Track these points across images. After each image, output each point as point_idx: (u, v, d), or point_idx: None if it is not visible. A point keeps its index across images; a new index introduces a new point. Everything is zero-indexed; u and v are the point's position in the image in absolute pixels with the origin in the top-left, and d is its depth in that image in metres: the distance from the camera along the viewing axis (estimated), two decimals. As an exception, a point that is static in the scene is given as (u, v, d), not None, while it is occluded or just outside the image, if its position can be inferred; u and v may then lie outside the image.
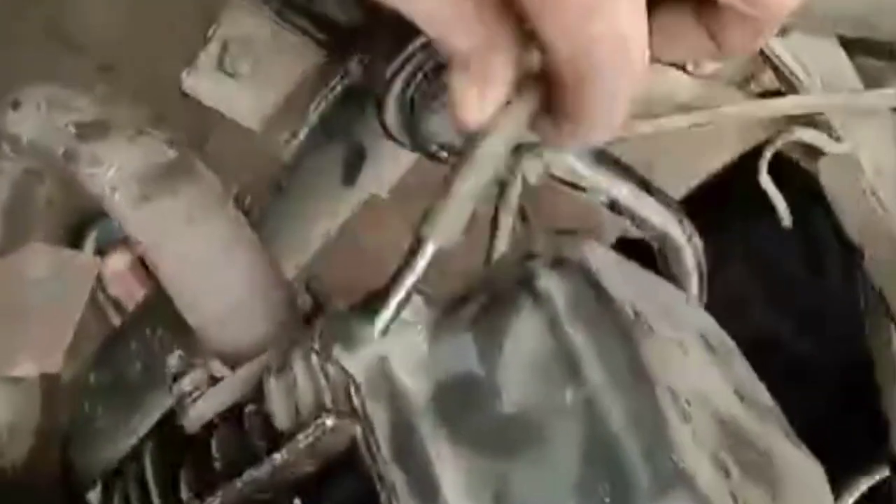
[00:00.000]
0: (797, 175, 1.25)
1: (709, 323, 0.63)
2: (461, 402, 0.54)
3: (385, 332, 0.53)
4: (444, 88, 0.52)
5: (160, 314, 0.78)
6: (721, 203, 1.25)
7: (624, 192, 0.88)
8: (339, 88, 0.73)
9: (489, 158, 0.49)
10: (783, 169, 1.31)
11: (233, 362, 0.62)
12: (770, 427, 0.60)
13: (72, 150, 0.64)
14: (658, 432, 0.51)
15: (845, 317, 1.23)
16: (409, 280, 0.51)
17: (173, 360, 0.62)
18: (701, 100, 0.59)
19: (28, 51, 1.78)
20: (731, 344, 0.64)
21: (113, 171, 0.64)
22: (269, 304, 0.64)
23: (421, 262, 0.51)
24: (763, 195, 1.30)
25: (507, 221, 0.89)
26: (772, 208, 1.30)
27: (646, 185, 0.90)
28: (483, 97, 0.50)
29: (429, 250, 0.50)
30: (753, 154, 1.39)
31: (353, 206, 0.77)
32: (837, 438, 0.62)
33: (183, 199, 0.64)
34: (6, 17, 1.82)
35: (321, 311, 0.67)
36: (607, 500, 0.50)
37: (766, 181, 0.66)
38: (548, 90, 0.49)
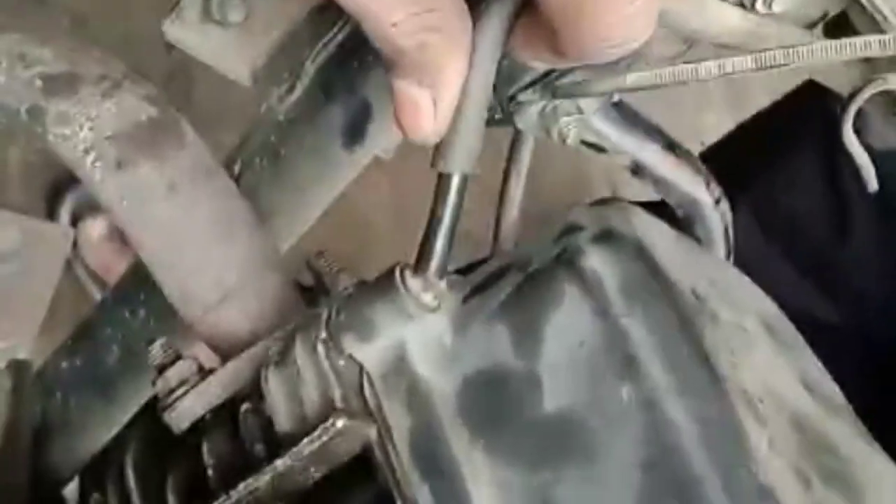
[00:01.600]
0: (821, 123, 1.18)
1: (769, 306, 0.55)
2: (494, 401, 0.47)
3: (441, 274, 0.48)
4: None
5: (141, 294, 0.70)
6: (733, 160, 1.18)
7: (649, 153, 0.80)
8: (339, 37, 0.64)
9: (481, 80, 0.46)
10: (806, 116, 1.24)
11: (225, 352, 0.54)
12: (843, 425, 0.52)
13: (37, 107, 0.56)
14: (732, 440, 0.43)
15: (875, 282, 1.16)
16: (448, 216, 0.47)
17: (156, 349, 0.54)
18: (753, 40, 0.51)
19: (3, 6, 1.69)
20: (794, 330, 0.56)
21: (85, 131, 0.56)
22: (266, 285, 0.56)
23: (452, 196, 0.47)
24: (784, 148, 1.24)
25: (517, 186, 0.82)
26: (792, 164, 1.23)
27: (671, 146, 0.83)
28: (440, 106, 0.45)
29: (455, 182, 0.47)
30: (772, 108, 1.33)
31: (356, 171, 0.69)
32: (869, 422, 0.54)
33: (165, 165, 0.55)
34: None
35: (327, 292, 0.59)
36: (674, 520, 0.42)
37: (849, 137, 0.58)
38: None
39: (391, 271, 0.49)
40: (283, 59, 0.66)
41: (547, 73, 0.53)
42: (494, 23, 0.45)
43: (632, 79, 0.47)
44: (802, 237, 1.24)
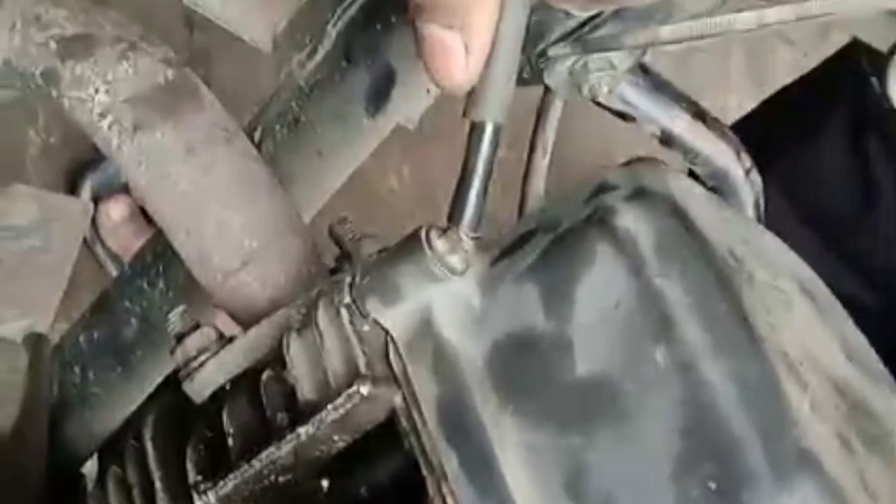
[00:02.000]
0: (850, 94, 1.16)
1: (806, 271, 0.53)
2: (523, 365, 0.45)
3: (474, 227, 0.47)
4: None
5: (160, 265, 0.69)
6: (761, 131, 1.16)
7: (678, 122, 0.78)
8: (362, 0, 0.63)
9: (514, 21, 0.44)
10: (834, 89, 1.22)
11: (246, 320, 0.53)
12: (883, 392, 0.51)
13: (52, 70, 0.55)
14: (772, 402, 0.41)
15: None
16: (481, 167, 0.46)
17: (175, 318, 0.52)
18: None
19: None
20: (830, 294, 0.54)
21: (101, 93, 0.54)
22: (288, 251, 0.54)
23: (486, 146, 0.46)
24: (812, 119, 1.21)
25: (543, 157, 0.80)
26: (819, 136, 1.21)
27: (701, 115, 0.81)
28: (472, 50, 0.43)
29: (488, 131, 0.46)
30: (800, 80, 1.31)
31: (378, 139, 0.67)
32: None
33: (183, 127, 0.54)
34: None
35: (349, 258, 0.57)
36: (712, 485, 0.40)
37: (893, 90, 0.56)
38: None
39: (416, 233, 0.47)
40: (303, 23, 0.65)
41: (579, 27, 0.51)
42: None
43: (667, 31, 0.45)
44: (828, 209, 1.22)
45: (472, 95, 0.46)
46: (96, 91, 0.54)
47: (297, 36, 0.65)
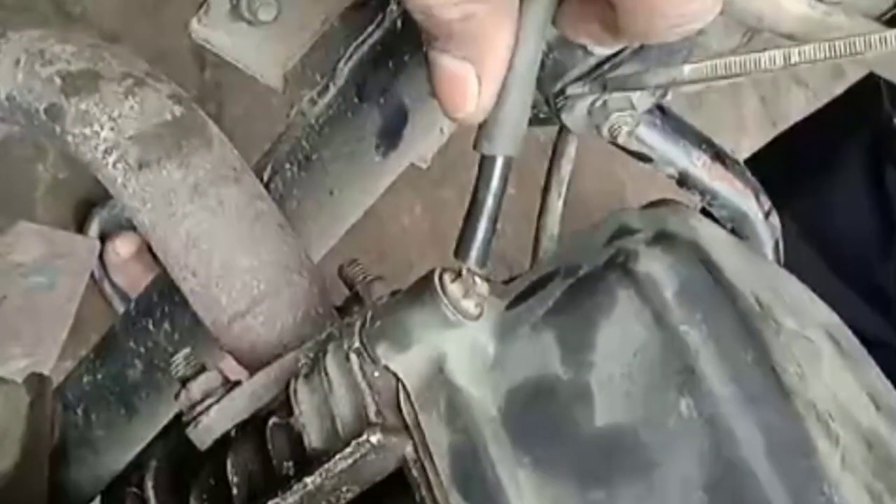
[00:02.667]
0: (869, 130, 1.15)
1: (832, 317, 0.51)
2: (540, 415, 0.43)
3: (482, 263, 0.46)
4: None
5: (165, 305, 0.67)
6: (777, 168, 1.14)
7: (697, 164, 0.77)
8: (374, 36, 0.61)
9: (528, 54, 0.43)
10: (849, 126, 1.21)
11: (252, 364, 0.51)
12: (914, 443, 0.48)
13: (56, 106, 0.53)
14: (803, 458, 0.39)
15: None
16: (491, 201, 0.45)
17: (179, 361, 0.51)
18: (819, 30, 0.47)
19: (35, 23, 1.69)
20: (857, 342, 0.52)
21: (105, 130, 0.53)
22: (296, 293, 0.52)
23: (496, 180, 0.45)
24: (829, 156, 1.20)
25: (558, 197, 0.78)
26: (837, 174, 1.19)
27: (720, 156, 0.79)
28: (485, 82, 0.42)
29: (499, 165, 0.45)
30: (816, 115, 1.29)
31: (390, 178, 0.65)
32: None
33: (190, 165, 0.53)
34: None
35: (359, 301, 0.56)
36: (740, 544, 0.38)
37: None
38: None
39: (429, 276, 0.46)
40: (314, 61, 0.63)
41: (598, 65, 0.50)
42: None
43: (690, 70, 0.44)
44: (848, 248, 1.20)
45: (483, 127, 0.44)
46: (101, 128, 0.53)
47: (308, 73, 0.63)
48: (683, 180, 0.78)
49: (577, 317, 0.44)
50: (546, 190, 0.79)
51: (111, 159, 0.53)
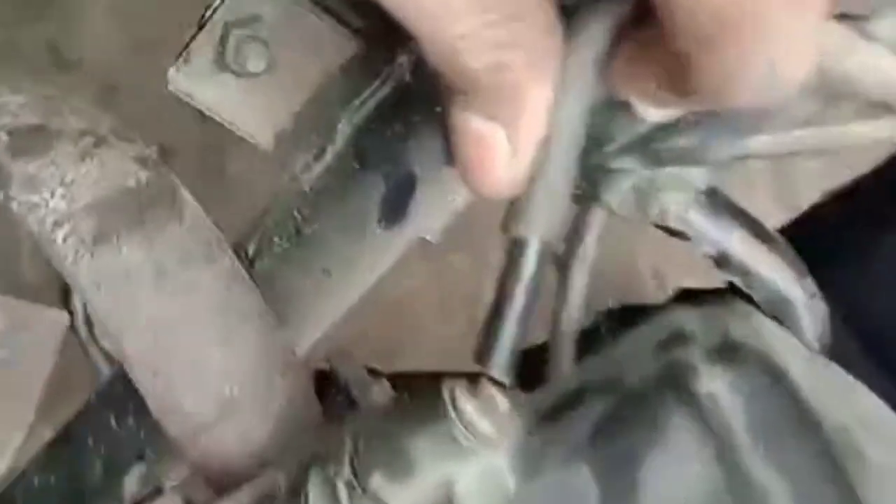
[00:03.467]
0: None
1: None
2: (572, 572, 0.34)
3: (507, 368, 0.37)
4: None
5: (132, 399, 0.58)
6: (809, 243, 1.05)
7: (737, 242, 0.68)
8: (381, 92, 0.53)
9: (573, 114, 0.35)
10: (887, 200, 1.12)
11: (220, 483, 0.42)
12: None
13: (1, 167, 0.45)
14: None
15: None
16: (522, 296, 0.36)
17: (132, 479, 0.42)
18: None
19: (26, 72, 1.62)
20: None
21: (57, 198, 0.44)
22: (276, 398, 0.44)
23: (528, 270, 0.36)
24: (867, 231, 1.11)
25: (581, 272, 0.70)
26: (877, 251, 1.10)
27: (762, 234, 0.70)
28: (520, 147, 0.34)
29: (532, 250, 0.36)
30: (853, 186, 1.20)
31: (396, 255, 0.57)
32: None
33: (155, 242, 0.44)
34: (3, 37, 1.66)
35: (352, 404, 0.47)
36: None
37: None
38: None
39: (439, 390, 0.37)
40: (311, 119, 0.55)
41: (650, 134, 0.41)
42: (594, 39, 0.33)
43: (761, 143, 0.35)
44: (887, 336, 1.11)
45: (515, 205, 0.36)
46: (51, 195, 0.45)
47: (304, 133, 0.55)
48: (721, 261, 0.69)
49: (620, 449, 0.35)
50: (568, 266, 0.70)
51: (61, 233, 0.44)
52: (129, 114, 1.70)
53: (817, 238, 1.17)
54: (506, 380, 0.37)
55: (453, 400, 0.36)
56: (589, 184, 0.43)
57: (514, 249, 0.36)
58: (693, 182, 0.43)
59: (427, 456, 0.36)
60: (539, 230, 0.36)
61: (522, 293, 0.36)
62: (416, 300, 1.90)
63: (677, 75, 0.31)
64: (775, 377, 0.35)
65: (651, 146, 0.41)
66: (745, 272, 0.69)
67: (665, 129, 0.40)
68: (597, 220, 0.67)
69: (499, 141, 0.34)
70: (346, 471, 0.37)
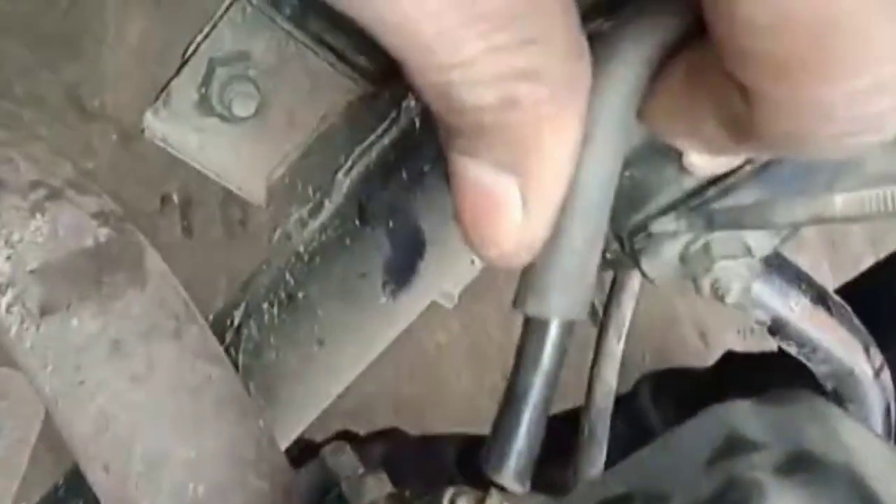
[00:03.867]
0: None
1: None
2: None
3: (522, 475, 0.30)
4: None
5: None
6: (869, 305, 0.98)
7: (794, 307, 0.61)
8: (385, 140, 0.46)
9: (602, 165, 0.28)
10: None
11: None
12: None
13: (-64, 225, 0.39)
14: None
15: None
16: (538, 386, 0.30)
17: None
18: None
19: (47, 120, 1.58)
20: None
21: (1, 260, 0.38)
22: (255, 501, 0.37)
23: (547, 354, 0.30)
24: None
25: (617, 339, 0.63)
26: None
27: (823, 299, 0.63)
28: (534, 204, 0.27)
29: (552, 333, 0.30)
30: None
31: (401, 324, 0.50)
32: None
33: (112, 313, 0.37)
34: (24, 85, 1.62)
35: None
36: None
37: None
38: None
39: (437, 499, 0.30)
40: (307, 169, 0.48)
41: (699, 190, 0.34)
42: (631, 66, 0.26)
43: (844, 202, 0.28)
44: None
45: (530, 276, 0.29)
46: (-7, 256, 0.38)
47: (299, 186, 0.48)
48: (776, 328, 0.62)
49: (664, 586, 0.27)
50: (602, 332, 0.64)
51: (4, 301, 0.38)
52: (151, 162, 1.66)
53: (872, 301, 1.09)
54: (521, 490, 0.30)
55: (455, 514, 0.29)
56: (624, 251, 0.36)
57: (531, 331, 0.29)
58: (755, 249, 0.36)
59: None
60: (559, 310, 0.29)
61: (540, 384, 0.29)
62: (444, 354, 1.84)
63: (738, 112, 0.24)
64: (862, 495, 0.27)
65: (702, 206, 0.34)
66: (803, 342, 0.62)
67: (719, 183, 0.33)
68: (633, 283, 0.61)
69: (509, 195, 0.27)
70: None
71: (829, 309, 0.63)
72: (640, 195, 0.34)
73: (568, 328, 0.29)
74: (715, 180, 0.33)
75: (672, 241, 0.35)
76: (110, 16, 1.73)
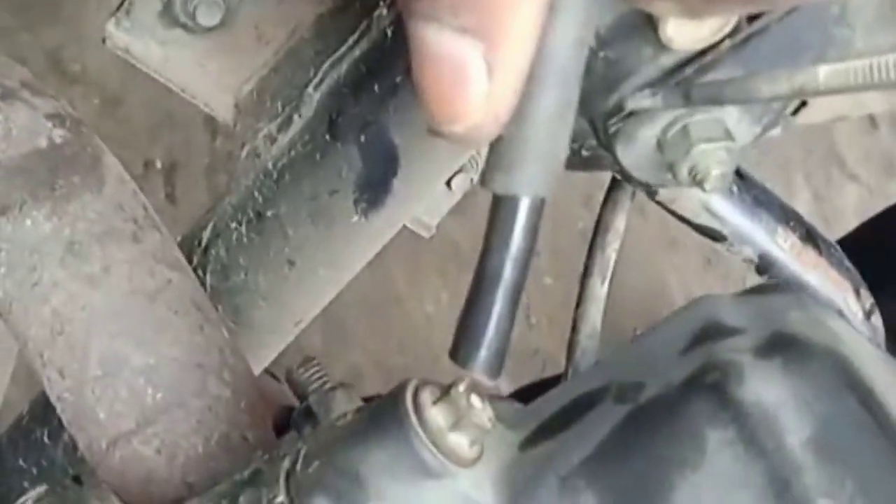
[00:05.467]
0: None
1: None
2: None
3: (494, 370, 0.28)
4: None
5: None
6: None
7: (782, 244, 0.60)
8: (356, 51, 0.44)
9: (571, 29, 0.26)
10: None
11: (138, 509, 0.34)
12: None
13: None
14: None
15: None
16: (510, 268, 0.28)
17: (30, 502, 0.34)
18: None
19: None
20: None
21: (-48, 161, 0.36)
22: (211, 407, 0.35)
23: (517, 237, 0.28)
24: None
25: (601, 282, 0.63)
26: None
27: (811, 236, 0.63)
28: (500, 71, 0.26)
29: (522, 210, 0.28)
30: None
31: (374, 246, 0.48)
32: None
33: (67, 215, 0.36)
34: (4, 48, 1.60)
35: (312, 418, 0.39)
36: None
37: None
38: None
39: (399, 392, 0.29)
40: (276, 84, 0.47)
41: (677, 67, 0.32)
42: None
43: (827, 73, 0.27)
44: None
45: (495, 152, 0.28)
46: (-56, 155, 0.36)
47: (267, 101, 0.46)
48: (765, 266, 0.61)
49: (635, 471, 0.26)
50: (586, 273, 0.62)
51: (-46, 201, 0.36)
52: (135, 127, 1.64)
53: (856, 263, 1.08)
54: (491, 380, 0.29)
55: (416, 405, 0.28)
56: (598, 137, 0.35)
57: (500, 210, 0.28)
58: (736, 133, 0.34)
59: (382, 477, 0.28)
60: (529, 187, 0.27)
61: (511, 266, 0.28)
62: (434, 324, 1.82)
63: None
64: (848, 379, 0.26)
65: (682, 79, 0.32)
66: (791, 281, 0.61)
67: (698, 60, 0.31)
68: (618, 221, 0.59)
69: (473, 62, 0.25)
70: (282, 496, 0.29)
71: (818, 248, 0.62)
72: (616, 75, 0.32)
73: (538, 207, 0.28)
74: (693, 57, 0.32)
75: (649, 124, 0.33)
76: (92, -21, 1.71)
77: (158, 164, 1.68)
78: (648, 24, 0.29)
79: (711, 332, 0.28)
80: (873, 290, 1.01)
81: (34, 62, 1.61)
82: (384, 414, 0.28)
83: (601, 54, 0.29)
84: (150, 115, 1.66)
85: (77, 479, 0.40)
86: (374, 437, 0.28)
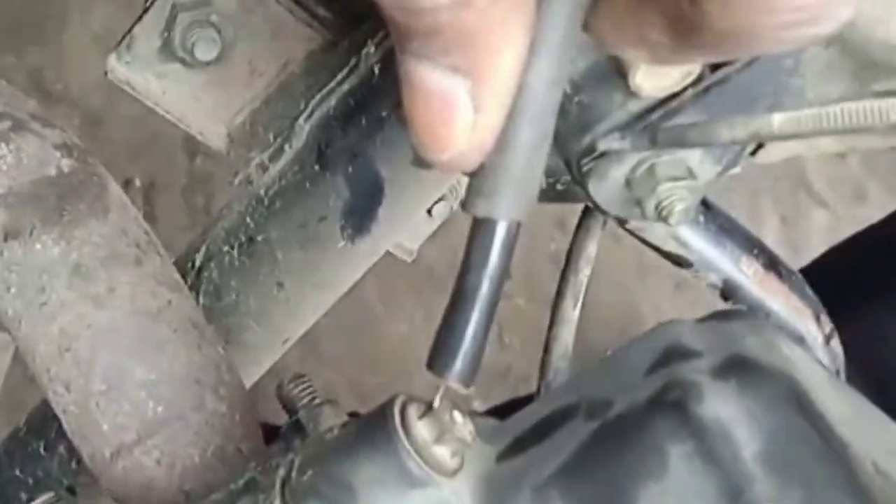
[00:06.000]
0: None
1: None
2: None
3: (467, 380, 0.31)
4: None
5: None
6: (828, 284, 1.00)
7: (746, 271, 0.63)
8: (345, 87, 0.47)
9: (549, 67, 0.29)
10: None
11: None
12: None
13: None
14: None
15: None
16: (486, 288, 0.31)
17: (36, 510, 0.36)
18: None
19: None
20: None
21: (-36, 187, 0.39)
22: (207, 420, 0.38)
23: (494, 257, 0.31)
24: (876, 276, 1.05)
25: (573, 303, 0.65)
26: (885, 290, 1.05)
27: (775, 265, 0.65)
28: (485, 106, 0.29)
29: (500, 233, 0.30)
30: (874, 230, 1.15)
31: (359, 270, 0.51)
32: None
33: (73, 238, 0.38)
34: (-14, 70, 1.61)
35: (301, 432, 0.41)
36: None
37: None
38: None
39: (388, 407, 0.31)
40: (268, 115, 0.49)
41: (644, 112, 0.35)
42: None
43: (781, 121, 0.29)
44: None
45: (478, 177, 0.30)
46: (-44, 182, 0.39)
47: (259, 131, 0.49)
48: (729, 291, 0.63)
49: (603, 482, 0.29)
50: (559, 296, 0.65)
51: (-34, 225, 0.38)
52: (115, 147, 1.65)
53: (822, 289, 1.11)
54: (466, 390, 0.31)
55: (404, 421, 0.30)
56: (572, 174, 0.37)
57: (479, 232, 0.30)
58: (699, 173, 0.37)
59: (371, 486, 0.30)
60: (507, 211, 0.30)
61: (487, 284, 0.30)
62: (407, 344, 1.84)
63: (684, 10, 0.26)
64: (797, 399, 0.29)
65: (647, 126, 0.35)
66: (754, 306, 0.64)
67: (664, 106, 0.34)
68: (590, 247, 0.62)
69: (459, 96, 0.28)
70: (277, 502, 0.31)
71: (780, 275, 0.65)
72: (589, 119, 0.35)
73: (514, 230, 0.30)
74: (659, 104, 0.35)
75: (618, 164, 0.36)
76: (74, 1, 1.72)
77: (138, 183, 1.69)
78: (619, 73, 0.31)
79: (674, 354, 0.31)
80: (843, 314, 1.04)
81: (17, 82, 1.63)
82: (374, 427, 0.30)
83: (576, 99, 0.32)
84: (131, 135, 1.68)
85: (71, 490, 0.43)
86: (365, 449, 0.31)
